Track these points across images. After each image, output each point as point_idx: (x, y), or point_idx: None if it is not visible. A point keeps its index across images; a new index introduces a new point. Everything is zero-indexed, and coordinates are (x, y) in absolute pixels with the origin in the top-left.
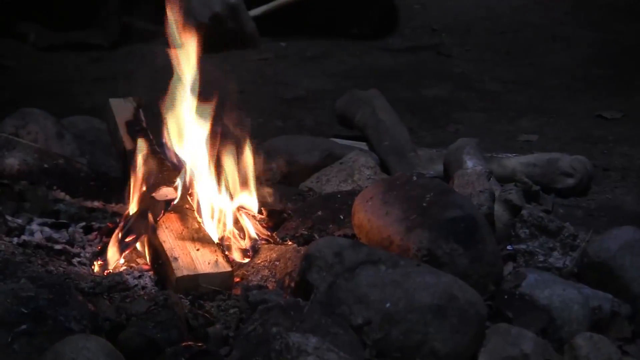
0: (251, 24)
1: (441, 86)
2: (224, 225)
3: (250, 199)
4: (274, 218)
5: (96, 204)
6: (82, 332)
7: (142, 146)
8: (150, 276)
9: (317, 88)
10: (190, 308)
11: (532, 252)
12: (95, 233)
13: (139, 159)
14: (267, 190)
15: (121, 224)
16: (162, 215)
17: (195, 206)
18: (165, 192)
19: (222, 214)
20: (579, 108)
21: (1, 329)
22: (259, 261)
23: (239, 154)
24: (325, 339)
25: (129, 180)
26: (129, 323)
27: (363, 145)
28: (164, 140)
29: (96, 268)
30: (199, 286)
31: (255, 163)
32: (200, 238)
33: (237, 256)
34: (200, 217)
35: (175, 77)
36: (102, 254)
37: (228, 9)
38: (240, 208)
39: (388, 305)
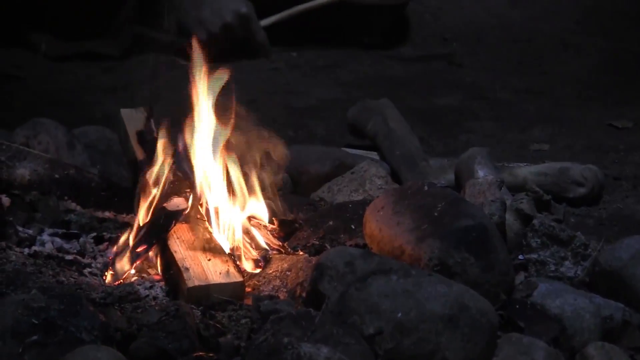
0: (262, 34)
1: (452, 95)
2: (235, 235)
3: (261, 209)
4: (285, 228)
5: (107, 214)
6: (93, 342)
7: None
8: (161, 286)
9: (329, 97)
10: (202, 318)
11: (544, 261)
12: (106, 243)
13: (150, 169)
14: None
15: (132, 234)
16: (173, 225)
17: (206, 216)
18: (176, 202)
19: (233, 224)
20: (590, 117)
21: (12, 339)
22: (270, 271)
23: (250, 162)
24: (336, 349)
25: (140, 191)
26: (140, 333)
27: (374, 154)
28: (175, 150)
29: (107, 278)
30: (210, 296)
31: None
32: (212, 248)
33: (248, 266)
34: (211, 227)
35: (188, 88)
36: (113, 264)
37: (239, 19)
38: (251, 218)
39: (399, 315)
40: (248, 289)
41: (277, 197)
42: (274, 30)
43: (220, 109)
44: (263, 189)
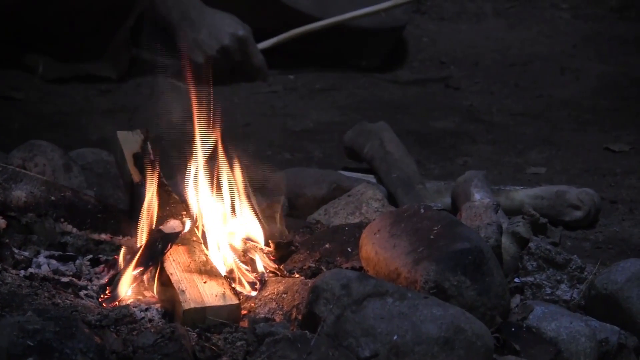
0: (259, 57)
1: (449, 118)
2: (232, 257)
3: (257, 231)
4: (282, 250)
5: (103, 236)
6: None
7: (150, 179)
8: (157, 309)
9: (326, 120)
10: (197, 340)
11: (540, 284)
12: (103, 266)
13: (147, 192)
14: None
15: (129, 257)
16: (169, 247)
17: (202, 239)
18: (172, 225)
19: (230, 247)
20: (587, 140)
21: None
22: (266, 294)
23: (246, 185)
24: None
25: (137, 213)
26: (136, 356)
27: (371, 177)
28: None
29: (103, 300)
30: (206, 319)
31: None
32: (208, 270)
33: (244, 289)
34: (208, 249)
35: (182, 112)
36: (109, 286)
37: (236, 42)
38: (247, 240)
39: (395, 337)
40: (244, 312)
41: (280, 220)
42: (272, 53)
43: (214, 130)
44: (263, 212)
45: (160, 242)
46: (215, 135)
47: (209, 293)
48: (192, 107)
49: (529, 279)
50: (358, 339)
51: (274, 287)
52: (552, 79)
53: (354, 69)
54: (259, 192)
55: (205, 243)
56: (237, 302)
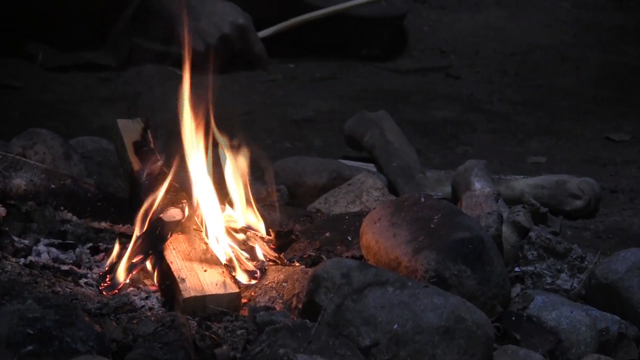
0: (260, 45)
1: (450, 108)
2: (232, 246)
3: (257, 220)
4: (282, 239)
5: (103, 224)
6: (89, 353)
7: (150, 166)
8: (157, 297)
9: (326, 109)
10: (198, 329)
11: (540, 273)
12: (103, 254)
13: (147, 180)
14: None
15: (129, 245)
16: (169, 236)
17: (202, 227)
18: (173, 213)
19: (230, 235)
20: (588, 130)
21: (7, 350)
22: (267, 282)
23: (246, 173)
24: None
25: (137, 201)
26: (136, 344)
27: (371, 166)
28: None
29: (103, 288)
30: (206, 307)
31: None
32: (208, 259)
33: (244, 277)
34: (208, 238)
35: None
36: (109, 274)
37: (237, 30)
38: (247, 229)
39: (396, 326)
40: (244, 300)
41: (276, 208)
42: (272, 41)
43: (215, 119)
44: (261, 200)
45: (160, 231)
46: (215, 124)
47: (209, 282)
48: (192, 95)
49: (530, 268)
50: (358, 328)
51: (274, 276)
52: (552, 69)
53: (355, 58)
54: (257, 180)
55: (205, 231)
56: (237, 290)
